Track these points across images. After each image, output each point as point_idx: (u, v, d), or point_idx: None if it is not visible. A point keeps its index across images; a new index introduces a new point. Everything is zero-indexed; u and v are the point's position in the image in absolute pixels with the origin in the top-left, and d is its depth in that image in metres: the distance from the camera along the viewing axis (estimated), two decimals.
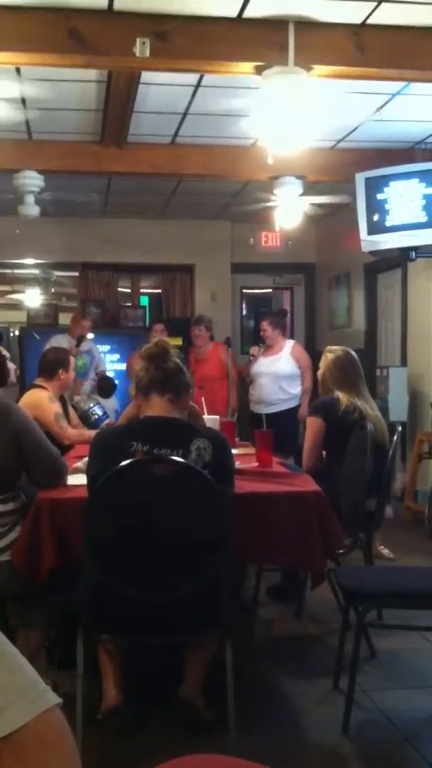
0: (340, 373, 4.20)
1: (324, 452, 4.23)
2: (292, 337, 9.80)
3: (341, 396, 4.12)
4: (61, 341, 6.54)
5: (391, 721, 3.09)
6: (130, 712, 2.93)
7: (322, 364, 4.31)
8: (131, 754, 2.64)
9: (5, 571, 2.97)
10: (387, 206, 5.96)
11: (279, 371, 6.70)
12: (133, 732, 2.88)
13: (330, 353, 4.30)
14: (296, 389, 6.78)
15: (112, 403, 7.02)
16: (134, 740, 2.82)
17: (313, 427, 4.17)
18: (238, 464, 3.34)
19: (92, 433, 4.07)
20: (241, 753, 1.16)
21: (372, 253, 6.38)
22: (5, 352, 3.35)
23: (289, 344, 6.88)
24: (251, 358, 6.91)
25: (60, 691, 0.87)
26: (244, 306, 10.33)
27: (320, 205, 7.02)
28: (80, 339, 7.16)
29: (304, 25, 4.02)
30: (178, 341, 7.17)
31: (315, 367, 6.69)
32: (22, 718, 0.79)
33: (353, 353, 4.34)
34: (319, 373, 4.37)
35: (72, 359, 4.83)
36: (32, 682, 0.84)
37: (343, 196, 6.65)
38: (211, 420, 4.24)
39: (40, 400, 4.47)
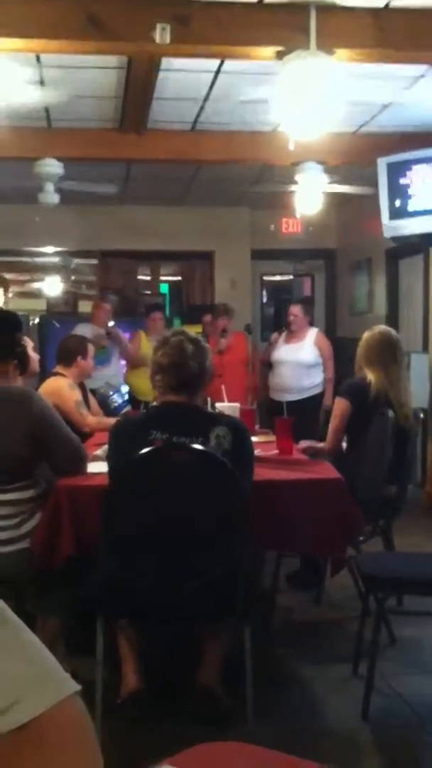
0: (369, 352, 4.13)
1: (345, 436, 4.20)
2: (312, 324, 9.82)
3: (372, 378, 4.02)
4: (84, 330, 6.53)
5: (411, 707, 3.09)
6: (148, 698, 2.95)
7: (359, 345, 4.27)
8: (150, 741, 2.65)
9: (24, 558, 2.99)
10: (409, 191, 5.90)
11: (302, 359, 6.65)
12: (151, 719, 2.90)
13: (367, 332, 4.25)
14: (318, 378, 6.73)
15: (113, 368, 7.03)
16: (153, 727, 2.83)
17: (340, 407, 4.12)
18: (258, 452, 3.34)
19: (112, 420, 4.08)
20: (260, 740, 1.16)
21: (394, 238, 6.32)
22: (29, 341, 3.35)
23: (312, 332, 6.83)
24: (269, 343, 6.88)
25: (79, 678, 0.87)
26: (264, 293, 10.30)
27: (347, 193, 6.96)
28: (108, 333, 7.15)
29: (326, 8, 3.98)
30: (198, 329, 7.16)
31: (336, 355, 6.71)
32: (42, 706, 0.79)
33: (391, 333, 4.25)
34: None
35: (91, 347, 4.84)
36: (52, 670, 0.84)
37: (366, 187, 6.59)
38: (230, 408, 4.23)
39: (60, 388, 4.49)
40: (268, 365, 6.94)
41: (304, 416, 5.11)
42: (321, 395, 6.73)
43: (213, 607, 2.78)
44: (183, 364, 2.89)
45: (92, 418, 4.64)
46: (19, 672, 0.81)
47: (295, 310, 6.76)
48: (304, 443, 4.13)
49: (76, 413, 4.45)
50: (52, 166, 6.29)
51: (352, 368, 4.29)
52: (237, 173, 7.49)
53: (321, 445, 4.20)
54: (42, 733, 0.79)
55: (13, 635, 0.85)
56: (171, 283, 10.91)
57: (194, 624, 2.97)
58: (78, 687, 0.84)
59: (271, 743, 1.14)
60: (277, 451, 3.83)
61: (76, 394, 4.60)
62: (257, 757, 1.13)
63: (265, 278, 10.28)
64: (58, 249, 9.77)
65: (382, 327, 4.35)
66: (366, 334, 4.23)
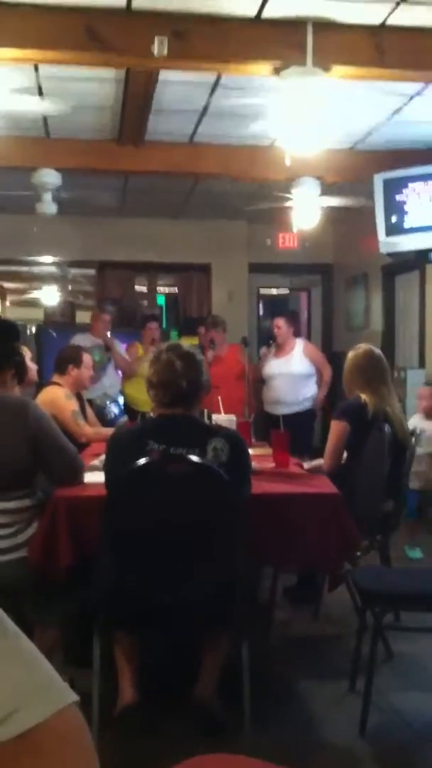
0: (358, 374, 4.12)
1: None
2: (309, 338, 9.84)
3: (367, 399, 4.01)
4: (83, 341, 6.53)
5: (408, 724, 3.08)
6: (145, 710, 2.93)
7: (345, 366, 4.26)
8: (147, 753, 2.64)
9: (22, 567, 2.98)
10: (405, 207, 5.93)
11: (294, 371, 6.68)
12: (148, 731, 2.88)
13: (351, 352, 4.23)
14: (312, 390, 6.77)
15: (110, 379, 7.03)
16: (150, 739, 2.82)
17: (337, 430, 4.03)
18: (254, 465, 3.33)
19: (109, 431, 4.07)
20: (257, 753, 1.15)
21: (390, 254, 6.35)
22: (26, 351, 3.35)
23: (299, 343, 6.89)
24: (259, 358, 6.91)
25: (76, 689, 0.86)
26: (261, 306, 10.32)
27: (337, 207, 7.00)
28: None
29: (323, 25, 4.01)
30: (194, 341, 7.17)
31: (333, 371, 6.71)
32: (40, 715, 0.79)
33: (374, 351, 4.23)
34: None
35: (86, 357, 4.84)
36: (50, 679, 0.84)
37: (360, 198, 6.62)
38: (227, 420, 4.23)
39: (56, 398, 4.49)
40: (261, 381, 6.98)
41: (299, 429, 5.11)
42: (314, 408, 6.78)
43: (210, 617, 2.77)
44: (172, 383, 2.91)
45: (89, 429, 4.64)
46: (17, 681, 0.81)
47: (280, 323, 6.81)
48: (308, 465, 4.10)
49: (73, 423, 4.44)
50: (50, 176, 6.31)
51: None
52: (235, 187, 7.52)
53: (317, 462, 4.16)
54: (41, 742, 0.78)
55: (12, 644, 0.84)
56: (168, 295, 10.93)
57: (191, 634, 2.95)
58: (76, 697, 0.84)
59: (268, 756, 1.13)
60: (273, 464, 3.83)
61: (73, 404, 4.59)
62: None
63: (262, 291, 10.30)
64: (56, 259, 9.79)
65: (365, 346, 4.30)
66: (350, 355, 4.21)
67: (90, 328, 7.40)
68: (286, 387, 6.68)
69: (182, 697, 2.97)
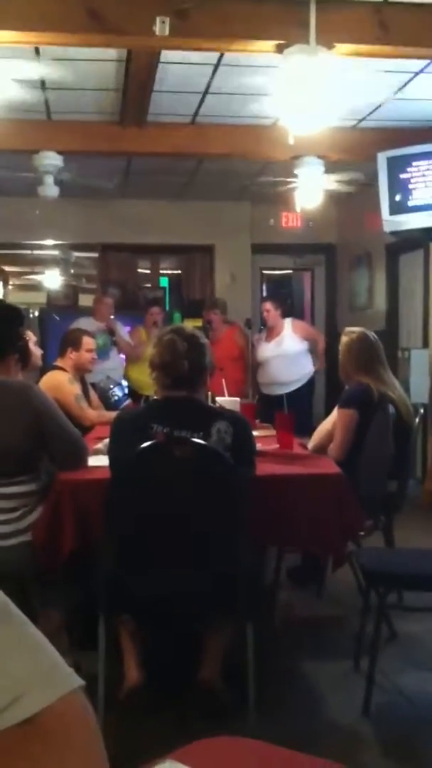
0: (355, 361, 4.07)
1: None
2: (312, 318, 9.82)
3: (369, 382, 3.95)
4: (86, 324, 6.52)
5: (412, 703, 3.09)
6: (150, 693, 2.95)
7: (340, 351, 4.21)
8: (152, 735, 2.65)
9: (26, 551, 2.99)
10: (410, 186, 5.90)
11: (286, 352, 6.81)
12: (153, 713, 2.90)
13: (345, 336, 4.17)
14: (307, 367, 6.91)
15: (113, 362, 7.03)
16: (155, 722, 2.84)
17: (346, 419, 3.91)
18: (259, 446, 3.34)
19: (112, 414, 4.07)
20: (261, 735, 1.16)
21: (394, 233, 6.32)
22: (31, 336, 3.35)
23: (288, 323, 6.98)
24: (253, 345, 6.95)
25: (81, 672, 0.87)
26: (264, 287, 10.29)
27: (340, 182, 6.96)
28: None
29: (326, 2, 3.96)
30: (198, 323, 7.16)
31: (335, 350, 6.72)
32: (45, 701, 0.79)
33: (369, 335, 4.15)
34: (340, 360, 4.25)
35: (86, 339, 4.82)
36: (55, 665, 0.84)
37: (357, 173, 6.61)
38: (231, 402, 4.23)
39: (59, 382, 4.49)
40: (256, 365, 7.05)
41: (296, 407, 5.11)
42: (311, 383, 6.92)
43: (215, 602, 2.78)
44: (174, 364, 2.90)
45: (92, 412, 4.64)
46: (22, 667, 0.81)
47: (267, 306, 6.95)
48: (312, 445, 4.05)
49: (76, 407, 4.44)
50: (51, 159, 6.28)
51: None
52: (238, 167, 7.47)
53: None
54: (46, 727, 0.78)
55: (17, 630, 0.85)
56: (171, 277, 10.89)
57: (196, 618, 2.96)
58: (82, 682, 0.84)
59: (272, 738, 1.14)
60: (277, 446, 3.83)
61: (76, 388, 4.59)
62: (258, 752, 1.13)
63: (265, 272, 10.27)
64: (58, 242, 9.75)
65: (359, 330, 4.21)
66: (344, 341, 4.15)
67: (93, 312, 7.39)
68: (281, 368, 6.82)
69: (187, 679, 2.99)
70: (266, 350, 6.88)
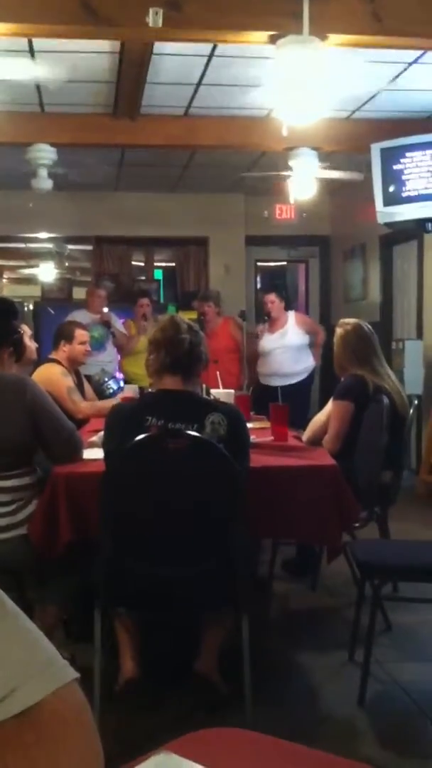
0: (350, 353, 4.05)
1: None
2: (307, 310, 9.82)
3: (364, 374, 3.95)
4: (79, 317, 6.51)
5: (407, 694, 3.11)
6: (146, 685, 2.95)
7: (334, 343, 4.20)
8: (148, 728, 2.66)
9: (22, 545, 2.99)
10: (403, 177, 5.89)
11: (290, 343, 6.82)
12: (149, 706, 2.91)
13: (339, 328, 4.15)
14: (308, 362, 6.91)
15: (108, 355, 7.02)
16: (151, 715, 2.84)
17: (341, 411, 3.90)
18: (253, 438, 3.33)
19: (105, 404, 4.07)
20: (257, 726, 1.16)
21: (388, 224, 6.31)
22: (26, 329, 3.34)
23: (291, 315, 7.00)
24: (257, 336, 6.94)
25: (77, 665, 0.87)
26: (258, 279, 10.29)
27: (336, 179, 6.96)
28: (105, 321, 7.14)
29: None
30: (192, 315, 7.15)
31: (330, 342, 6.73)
32: (40, 694, 0.79)
33: (364, 326, 4.14)
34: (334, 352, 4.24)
35: (78, 332, 4.80)
36: (50, 658, 0.84)
37: (357, 173, 6.59)
38: (225, 394, 4.23)
39: (52, 375, 4.49)
40: (252, 359, 7.04)
41: (295, 400, 5.12)
42: (310, 379, 6.91)
43: (210, 595, 2.79)
44: (177, 339, 2.89)
45: (85, 404, 4.63)
46: (17, 659, 0.81)
47: (272, 297, 6.93)
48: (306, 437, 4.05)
49: (69, 401, 4.44)
50: (44, 152, 6.26)
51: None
52: (231, 159, 7.46)
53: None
54: (41, 720, 0.78)
55: (12, 623, 0.85)
56: (165, 269, 10.88)
57: (192, 611, 2.97)
58: (77, 674, 0.84)
59: (268, 729, 1.15)
60: (272, 438, 3.83)
61: (69, 381, 4.59)
62: (255, 744, 1.13)
63: (259, 264, 10.26)
64: (52, 235, 9.73)
65: (353, 322, 4.17)
66: (339, 332, 4.12)
67: (86, 305, 7.38)
68: (284, 360, 6.81)
69: (183, 671, 2.99)
70: (269, 341, 6.86)
